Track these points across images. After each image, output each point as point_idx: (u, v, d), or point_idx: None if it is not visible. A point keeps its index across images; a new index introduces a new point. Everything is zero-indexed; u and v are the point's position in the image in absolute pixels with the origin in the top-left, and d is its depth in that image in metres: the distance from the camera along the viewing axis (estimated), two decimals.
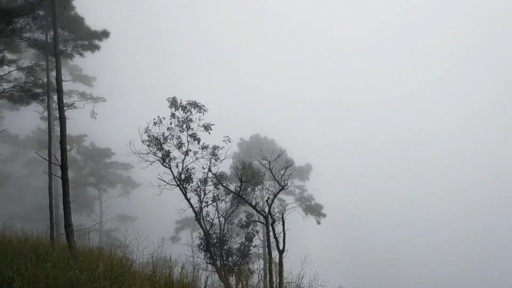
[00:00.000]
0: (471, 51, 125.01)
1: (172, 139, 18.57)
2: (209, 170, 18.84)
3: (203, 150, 18.80)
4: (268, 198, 19.22)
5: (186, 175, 18.52)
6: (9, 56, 21.77)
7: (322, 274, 11.79)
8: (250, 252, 19.35)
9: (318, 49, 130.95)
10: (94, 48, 21.43)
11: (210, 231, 18.73)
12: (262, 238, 32.72)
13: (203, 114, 18.56)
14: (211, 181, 19.00)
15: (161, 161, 18.32)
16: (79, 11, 20.24)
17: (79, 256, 9.57)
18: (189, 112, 18.61)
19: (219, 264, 18.14)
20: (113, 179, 43.95)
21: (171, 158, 18.43)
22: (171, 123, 18.53)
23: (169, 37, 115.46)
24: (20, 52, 22.76)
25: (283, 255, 16.92)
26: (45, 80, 20.85)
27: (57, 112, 13.62)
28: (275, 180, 18.20)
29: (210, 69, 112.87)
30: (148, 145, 18.20)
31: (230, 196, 19.48)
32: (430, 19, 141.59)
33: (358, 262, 62.06)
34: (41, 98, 22.00)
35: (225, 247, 18.76)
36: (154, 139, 18.29)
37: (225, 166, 19.81)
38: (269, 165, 17.88)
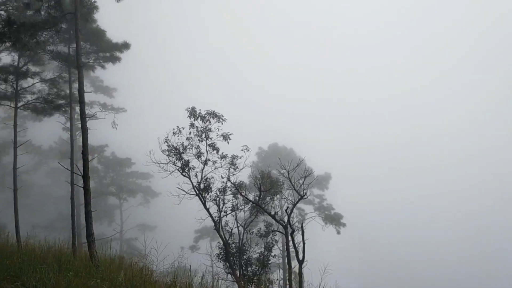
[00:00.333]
0: (471, 51, 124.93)
1: (191, 148, 18.67)
2: (228, 179, 18.86)
3: (222, 159, 18.84)
4: (288, 207, 19.12)
5: (205, 184, 18.57)
6: (33, 68, 22.31)
7: (342, 283, 11.64)
8: (270, 262, 19.21)
9: (325, 52, 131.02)
10: (115, 59, 21.83)
11: (229, 241, 18.70)
12: (281, 248, 32.55)
13: (222, 123, 18.63)
14: (230, 190, 19.01)
15: (181, 171, 18.43)
16: (100, 24, 20.68)
17: (100, 265, 9.66)
18: (208, 122, 18.70)
19: (238, 274, 18.07)
20: (133, 189, 44.40)
21: (190, 168, 18.52)
22: (190, 133, 18.65)
23: (182, 45, 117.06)
24: (44, 65, 23.32)
25: (303, 265, 16.77)
26: (68, 91, 21.27)
27: (79, 122, 13.85)
28: (294, 189, 18.11)
29: (223, 76, 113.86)
30: (167, 155, 18.34)
31: (249, 206, 19.43)
32: (431, 19, 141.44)
33: (371, 266, 61.54)
34: (63, 109, 22.44)
35: (245, 256, 18.68)
36: (174, 149, 18.42)
37: (243, 176, 19.83)
38: (288, 174, 17.81)
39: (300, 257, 16.93)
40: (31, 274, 8.07)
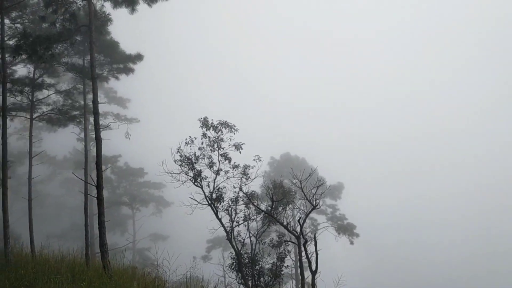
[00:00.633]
0: (477, 53, 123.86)
1: (204, 158, 18.72)
2: (240, 189, 18.83)
3: (234, 169, 18.84)
4: (300, 217, 19.01)
5: (218, 194, 18.57)
6: (48, 80, 22.72)
7: None
8: (282, 272, 19.06)
9: (328, 56, 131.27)
10: (128, 71, 22.11)
11: (241, 251, 18.62)
12: (294, 259, 32.31)
13: (234, 133, 18.67)
14: (242, 200, 18.97)
15: (193, 181, 18.46)
16: (114, 36, 20.98)
17: (114, 275, 9.69)
18: (220, 132, 18.76)
19: (251, 285, 17.96)
20: (146, 198, 44.59)
21: (202, 178, 18.55)
22: (202, 143, 18.71)
23: (189, 55, 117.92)
24: (59, 76, 23.71)
25: (316, 276, 16.62)
26: (82, 102, 21.55)
27: (93, 133, 14.01)
28: (307, 199, 18.02)
29: (229, 84, 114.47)
30: (180, 165, 18.40)
31: (261, 216, 19.35)
32: (436, 21, 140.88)
33: (383, 274, 61.06)
34: (78, 120, 22.74)
35: (257, 267, 18.57)
36: (186, 159, 18.48)
37: (256, 185, 19.80)
38: (301, 184, 17.74)
39: (313, 267, 16.79)
40: (45, 284, 8.13)
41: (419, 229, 71.52)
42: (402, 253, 66.86)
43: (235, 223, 18.76)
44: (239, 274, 18.12)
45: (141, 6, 15.40)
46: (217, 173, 18.63)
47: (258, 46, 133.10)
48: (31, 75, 20.92)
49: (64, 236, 34.25)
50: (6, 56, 16.06)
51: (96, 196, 12.40)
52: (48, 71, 21.62)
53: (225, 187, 18.80)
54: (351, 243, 35.97)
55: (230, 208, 18.73)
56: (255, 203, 18.83)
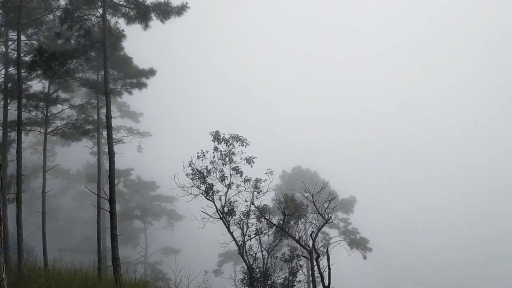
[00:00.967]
0: (484, 56, 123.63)
1: (215, 172, 18.73)
2: (252, 203, 18.77)
3: (246, 183, 18.80)
4: (312, 232, 18.86)
5: (229, 208, 18.53)
6: (62, 95, 23.10)
7: None
8: (294, 287, 18.88)
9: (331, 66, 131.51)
10: (141, 85, 22.39)
11: (253, 265, 18.49)
12: (306, 273, 31.96)
13: (245, 147, 18.69)
14: (254, 214, 18.89)
15: (205, 194, 18.46)
16: (127, 51, 21.30)
17: None
18: (231, 145, 18.79)
19: None
20: (157, 212, 44.67)
21: (214, 191, 18.54)
22: (214, 157, 18.74)
23: (196, 69, 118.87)
24: (73, 91, 24.10)
25: None
26: (96, 117, 21.82)
27: (106, 147, 14.15)
28: (319, 213, 17.88)
29: (237, 97, 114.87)
30: (192, 179, 18.43)
31: (273, 230, 19.24)
32: (443, 26, 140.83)
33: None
34: (91, 134, 23.00)
35: (269, 281, 18.41)
36: (198, 173, 18.51)
37: (267, 199, 19.72)
38: (312, 198, 17.62)
39: (326, 282, 16.59)
40: None
41: (423, 235, 71.29)
42: (408, 260, 66.44)
43: (246, 237, 18.67)
44: None
45: (154, 22, 15.65)
46: (229, 186, 18.62)
47: (263, 61, 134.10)
48: (46, 90, 21.28)
49: (76, 250, 34.43)
50: (22, 71, 16.38)
51: (108, 210, 12.48)
52: (63, 86, 21.98)
53: (236, 201, 18.77)
54: (364, 257, 35.52)
55: (241, 222, 18.66)
56: (266, 217, 18.74)
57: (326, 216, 17.74)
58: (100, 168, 21.72)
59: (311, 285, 21.11)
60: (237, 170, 18.69)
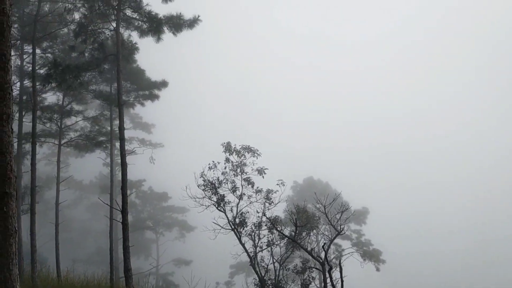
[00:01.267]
0: (485, 63, 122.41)
1: (227, 183, 18.72)
2: (263, 214, 18.70)
3: (257, 194, 18.75)
4: (324, 243, 18.72)
5: (241, 219, 18.48)
6: (76, 107, 23.42)
7: None
8: None
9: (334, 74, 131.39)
10: (154, 97, 22.62)
11: (265, 277, 18.37)
12: (318, 285, 31.63)
13: (257, 158, 18.69)
14: (266, 225, 18.80)
15: (216, 205, 18.44)
16: (140, 64, 21.57)
17: None
18: (243, 156, 18.81)
19: None
20: (169, 223, 44.74)
21: (225, 202, 18.52)
22: (225, 168, 18.75)
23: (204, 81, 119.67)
24: (86, 103, 24.43)
25: None
26: (109, 128, 22.05)
27: (119, 158, 14.27)
28: (331, 224, 17.74)
29: (245, 108, 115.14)
30: (203, 189, 18.44)
31: (285, 241, 19.12)
32: (448, 32, 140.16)
33: None
34: (104, 145, 23.22)
35: None
36: (209, 184, 18.52)
37: (279, 210, 19.61)
38: (324, 209, 17.50)
39: None
40: None
41: (429, 240, 71.04)
42: (414, 265, 65.97)
43: (258, 249, 18.57)
44: None
45: (166, 35, 15.84)
46: (240, 197, 18.60)
47: (268, 71, 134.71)
48: (60, 103, 21.60)
49: (89, 260, 34.55)
50: (37, 84, 16.66)
51: (121, 221, 12.55)
52: (77, 98, 22.30)
53: (248, 212, 18.70)
54: (377, 269, 35.05)
55: (253, 233, 18.58)
56: (278, 228, 18.64)
57: (339, 227, 17.59)
58: (112, 179, 21.91)
59: None
60: (248, 181, 18.67)
